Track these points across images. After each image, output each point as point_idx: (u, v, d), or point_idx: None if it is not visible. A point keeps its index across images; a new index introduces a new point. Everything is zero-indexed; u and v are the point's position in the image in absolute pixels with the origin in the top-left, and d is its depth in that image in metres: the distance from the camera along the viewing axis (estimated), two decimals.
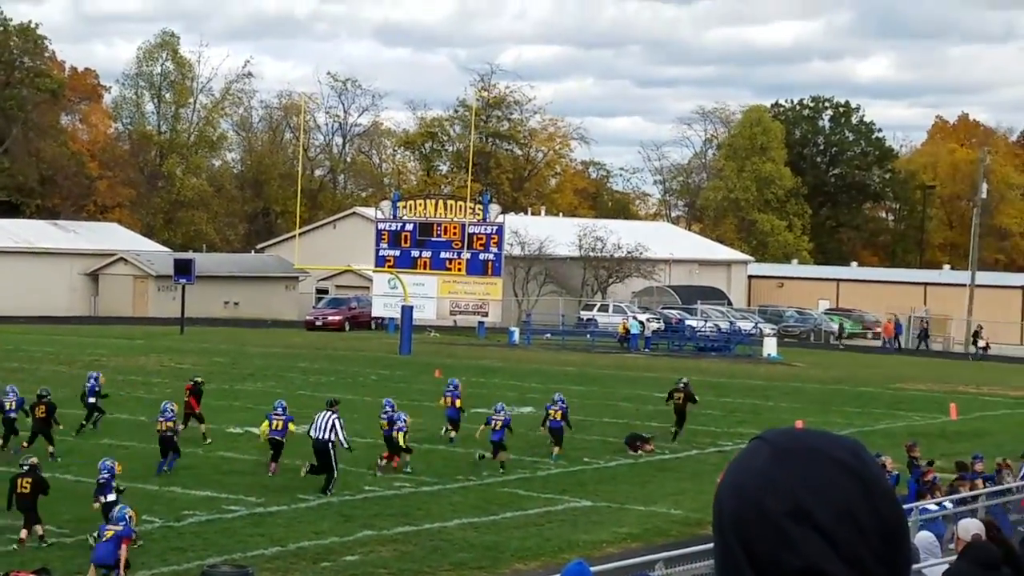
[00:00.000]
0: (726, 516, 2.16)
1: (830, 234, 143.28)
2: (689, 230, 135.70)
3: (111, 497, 26.75)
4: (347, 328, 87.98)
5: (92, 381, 41.42)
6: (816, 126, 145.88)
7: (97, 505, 26.76)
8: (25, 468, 26.89)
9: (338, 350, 70.56)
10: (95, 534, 23.99)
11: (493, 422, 36.76)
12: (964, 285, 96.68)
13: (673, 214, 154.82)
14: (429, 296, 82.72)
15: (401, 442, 35.55)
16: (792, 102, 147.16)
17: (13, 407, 37.11)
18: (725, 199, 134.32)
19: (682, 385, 43.47)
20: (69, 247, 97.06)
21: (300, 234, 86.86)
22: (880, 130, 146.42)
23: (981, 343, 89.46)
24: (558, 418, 38.84)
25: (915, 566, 16.82)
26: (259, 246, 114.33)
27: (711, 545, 2.22)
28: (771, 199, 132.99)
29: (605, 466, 37.96)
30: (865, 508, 2.10)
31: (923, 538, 19.63)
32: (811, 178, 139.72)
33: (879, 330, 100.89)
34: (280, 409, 34.86)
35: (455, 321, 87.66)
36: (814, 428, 2.33)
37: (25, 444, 35.92)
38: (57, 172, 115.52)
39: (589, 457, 38.98)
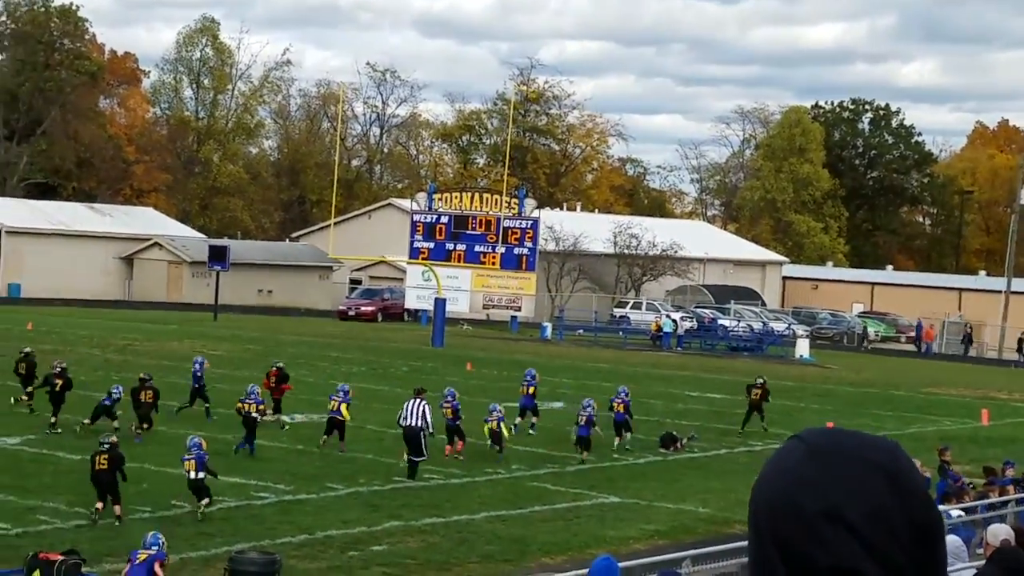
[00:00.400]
0: (761, 513, 2.17)
1: (866, 237, 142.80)
2: (725, 230, 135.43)
3: (201, 474, 27.89)
4: (380, 319, 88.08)
5: (197, 365, 41.53)
6: (855, 128, 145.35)
7: (193, 473, 27.92)
8: (105, 446, 27.52)
9: (370, 340, 70.65)
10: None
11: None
12: (999, 291, 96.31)
13: (709, 213, 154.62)
14: (462, 289, 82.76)
15: (504, 432, 37.16)
16: (832, 104, 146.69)
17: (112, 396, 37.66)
18: (762, 199, 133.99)
19: (760, 382, 45.62)
20: (105, 231, 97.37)
21: (335, 224, 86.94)
22: (920, 134, 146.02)
23: None
24: (621, 411, 39.70)
25: None
26: (294, 235, 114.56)
27: (738, 544, 2.22)
28: (808, 200, 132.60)
29: (634, 463, 37.94)
30: (898, 509, 2.10)
31: (950, 542, 19.55)
32: (849, 180, 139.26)
33: (912, 334, 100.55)
34: (342, 392, 36.53)
35: (488, 315, 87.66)
36: (851, 429, 2.32)
37: (136, 426, 37.14)
38: (94, 155, 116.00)
39: (619, 454, 38.95)
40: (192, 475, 28.01)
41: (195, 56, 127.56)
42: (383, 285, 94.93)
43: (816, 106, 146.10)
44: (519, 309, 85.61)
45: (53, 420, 36.87)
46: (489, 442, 37.33)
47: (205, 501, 27.88)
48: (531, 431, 41.26)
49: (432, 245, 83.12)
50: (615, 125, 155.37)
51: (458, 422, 36.89)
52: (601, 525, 29.48)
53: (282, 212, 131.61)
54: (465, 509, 30.08)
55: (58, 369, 38.59)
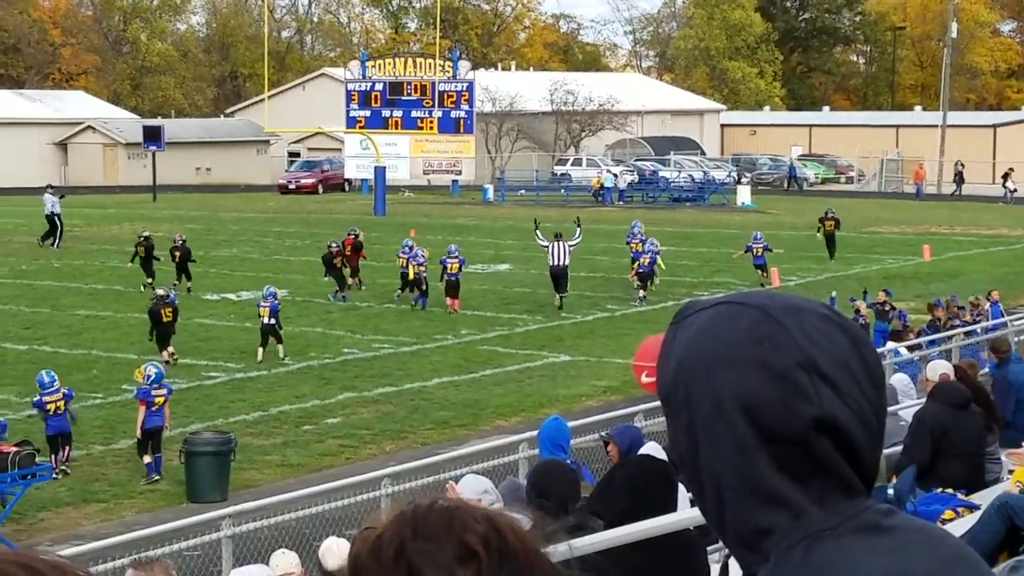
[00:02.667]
0: (720, 388, 2.11)
1: (801, 79, 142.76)
2: (660, 80, 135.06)
3: (272, 320, 31.74)
4: (321, 191, 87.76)
5: (271, 300, 33.09)
6: None
7: (267, 318, 31.53)
8: (168, 298, 32.02)
9: (312, 213, 70.43)
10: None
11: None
12: (936, 126, 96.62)
13: (644, 65, 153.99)
14: (402, 156, 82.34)
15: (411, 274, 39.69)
16: None
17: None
18: (695, 48, 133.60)
19: (831, 213, 51.13)
20: (36, 116, 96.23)
21: (269, 97, 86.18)
22: None
23: (1011, 184, 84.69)
24: (646, 263, 41.86)
25: (891, 408, 16.95)
26: (228, 110, 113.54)
27: None
28: (741, 46, 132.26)
29: (583, 320, 38.13)
30: (855, 356, 2.13)
31: (899, 379, 19.80)
32: (781, 23, 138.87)
33: (852, 174, 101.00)
34: (270, 296, 32.96)
35: (429, 180, 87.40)
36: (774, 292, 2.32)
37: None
38: (19, 40, 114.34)
39: (567, 312, 39.10)
40: (265, 320, 31.63)
41: None
42: (322, 157, 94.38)
43: None
44: (459, 173, 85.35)
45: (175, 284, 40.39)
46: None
47: (280, 347, 31.80)
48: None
49: (368, 113, 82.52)
50: None
51: (459, 276, 39.23)
52: (552, 384, 29.71)
53: (215, 88, 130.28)
54: (417, 377, 30.24)
55: (179, 241, 43.04)
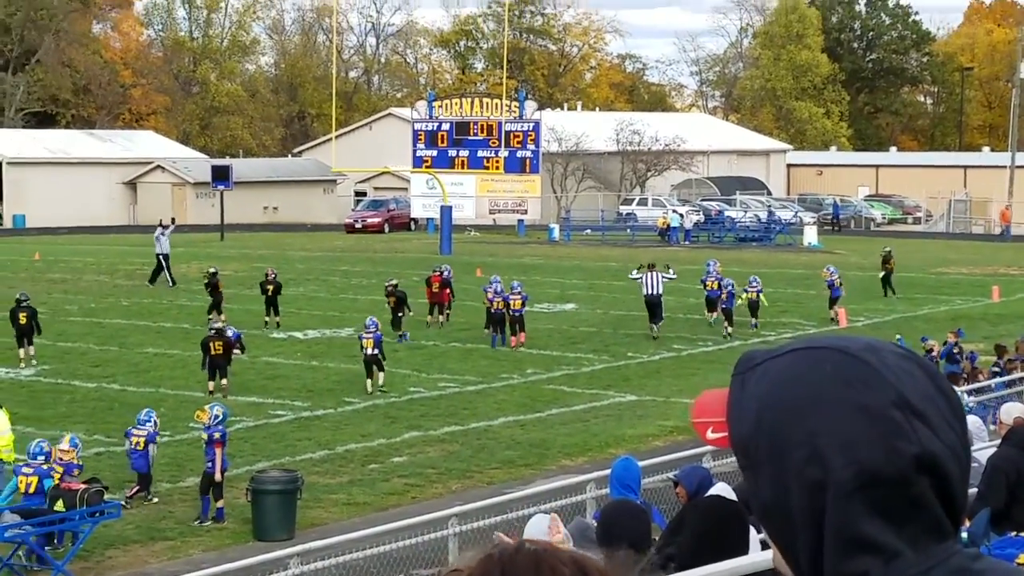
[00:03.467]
0: (817, 433, 2.06)
1: (868, 120, 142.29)
2: (726, 120, 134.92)
3: (376, 351, 32.81)
4: (386, 230, 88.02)
5: (374, 330, 33.82)
6: (852, 11, 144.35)
7: (371, 349, 32.68)
8: (213, 331, 32.97)
9: (379, 252, 70.65)
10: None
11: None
12: (1004, 167, 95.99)
13: (710, 105, 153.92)
14: (468, 195, 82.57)
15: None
16: None
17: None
18: (762, 88, 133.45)
19: (888, 251, 53.39)
20: (106, 156, 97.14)
21: (336, 137, 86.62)
22: (917, 13, 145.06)
23: None
24: (755, 297, 43.40)
25: None
26: (296, 150, 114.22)
27: None
28: (808, 87, 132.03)
29: (649, 360, 38.01)
30: (937, 392, 2.11)
31: (971, 422, 19.58)
32: (848, 64, 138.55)
33: (919, 215, 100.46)
34: (372, 326, 33.56)
35: (494, 220, 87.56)
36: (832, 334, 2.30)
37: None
38: (91, 81, 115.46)
39: (633, 352, 39.01)
40: (369, 351, 32.59)
41: None
42: (388, 196, 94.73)
43: None
44: (525, 212, 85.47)
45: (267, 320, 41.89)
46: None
47: (381, 376, 32.82)
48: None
49: (435, 153, 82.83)
50: (611, 21, 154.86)
51: (523, 312, 40.14)
52: (619, 424, 29.60)
53: (283, 128, 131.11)
54: (483, 415, 30.21)
55: (272, 276, 43.35)
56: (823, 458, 2.07)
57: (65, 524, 20.66)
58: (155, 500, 23.44)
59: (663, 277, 42.09)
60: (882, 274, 52.59)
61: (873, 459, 2.06)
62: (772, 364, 2.18)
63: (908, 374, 2.10)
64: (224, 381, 32.16)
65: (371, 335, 32.89)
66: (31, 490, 21.07)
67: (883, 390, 2.08)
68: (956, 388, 18.28)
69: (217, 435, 22.87)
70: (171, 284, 53.87)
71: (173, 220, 59.69)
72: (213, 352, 32.23)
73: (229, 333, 33.50)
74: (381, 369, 33.07)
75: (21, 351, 36.36)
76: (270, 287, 43.10)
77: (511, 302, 39.76)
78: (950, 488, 2.08)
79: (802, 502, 2.08)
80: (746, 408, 2.16)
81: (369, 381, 32.69)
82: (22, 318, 36.34)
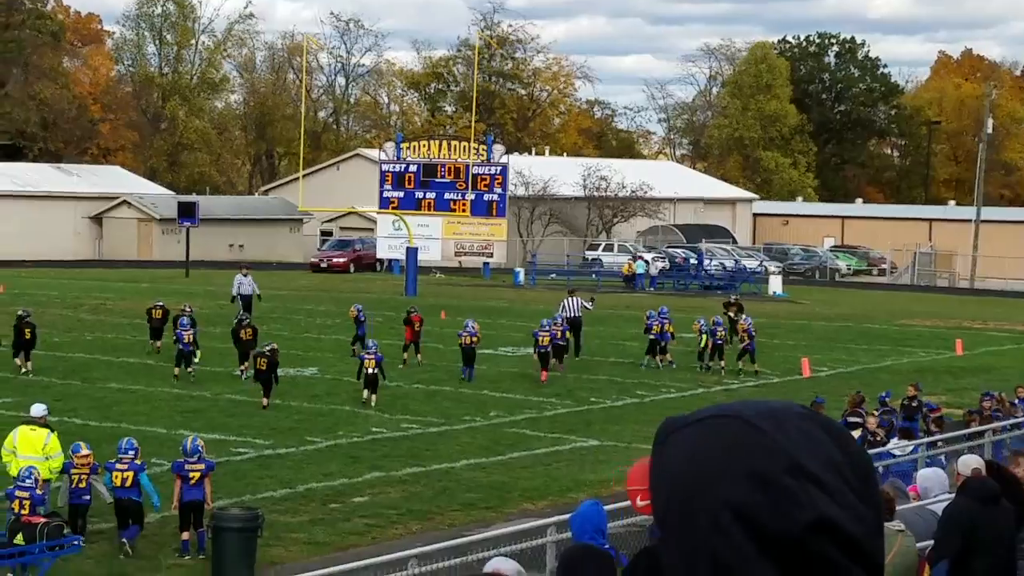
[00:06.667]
0: (712, 503, 2.11)
1: (835, 171, 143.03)
2: (694, 168, 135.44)
3: (377, 371, 35.95)
4: (352, 270, 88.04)
5: (375, 351, 36.81)
6: (822, 63, 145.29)
7: (372, 368, 35.82)
8: (267, 350, 35.53)
9: (344, 292, 70.57)
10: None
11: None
12: (970, 220, 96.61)
13: (678, 153, 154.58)
14: (434, 237, 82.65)
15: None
16: (799, 38, 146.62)
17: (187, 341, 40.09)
18: (730, 137, 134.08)
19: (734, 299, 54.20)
20: (72, 190, 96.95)
21: (304, 176, 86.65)
22: (886, 66, 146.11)
23: None
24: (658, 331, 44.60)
25: (922, 502, 16.86)
26: (263, 188, 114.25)
27: None
28: (776, 137, 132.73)
29: (612, 405, 38.03)
30: (840, 454, 2.14)
31: (936, 474, 19.61)
32: (816, 115, 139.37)
33: (884, 266, 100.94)
34: (373, 347, 36.84)
35: (460, 262, 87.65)
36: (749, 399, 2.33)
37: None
38: (59, 115, 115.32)
39: (596, 397, 39.04)
40: (370, 370, 35.49)
41: (156, 12, 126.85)
42: (354, 236, 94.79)
43: (783, 41, 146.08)
44: (491, 255, 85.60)
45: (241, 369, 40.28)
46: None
47: (374, 397, 35.55)
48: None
49: (402, 194, 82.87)
50: (581, 67, 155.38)
51: (565, 341, 42.99)
52: (581, 469, 29.59)
53: (250, 166, 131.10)
54: (445, 457, 30.15)
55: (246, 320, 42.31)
56: (720, 527, 2.11)
57: (25, 557, 20.54)
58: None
59: (582, 304, 47.03)
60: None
61: (768, 525, 2.09)
62: (679, 435, 2.21)
63: (808, 438, 2.14)
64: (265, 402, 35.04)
65: (372, 355, 35.82)
66: (127, 484, 22.25)
67: (776, 457, 2.11)
68: (912, 442, 18.42)
69: (203, 467, 22.71)
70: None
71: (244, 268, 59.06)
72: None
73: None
74: (374, 391, 35.76)
75: (17, 360, 39.88)
76: (248, 330, 41.09)
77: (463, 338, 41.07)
78: (861, 548, 2.11)
79: (707, 570, 2.12)
80: (660, 480, 2.21)
81: (373, 396, 35.70)
82: (26, 332, 39.83)
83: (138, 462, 22.57)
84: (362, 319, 45.70)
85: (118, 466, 22.76)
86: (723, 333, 44.82)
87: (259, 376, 35.44)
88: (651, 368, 44.26)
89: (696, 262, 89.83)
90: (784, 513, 2.08)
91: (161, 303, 46.70)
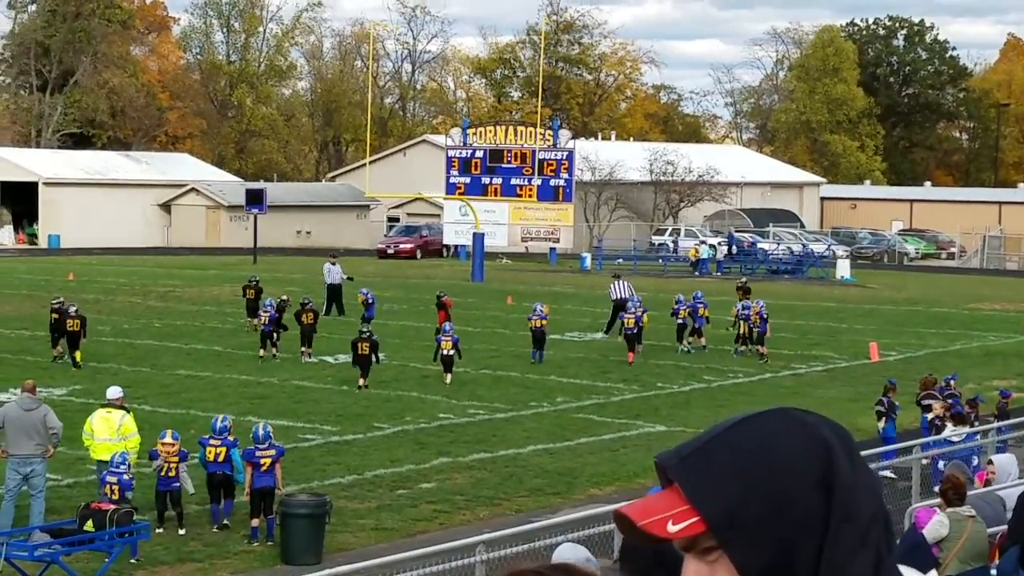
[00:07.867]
0: (809, 474, 2.12)
1: (903, 154, 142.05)
2: (760, 153, 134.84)
3: (452, 351, 37.33)
4: (419, 256, 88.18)
5: (452, 332, 38.35)
6: (890, 46, 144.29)
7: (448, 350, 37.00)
8: (366, 334, 36.66)
9: (410, 278, 70.73)
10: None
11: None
12: None
13: (744, 137, 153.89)
14: (500, 223, 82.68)
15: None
16: (866, 22, 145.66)
17: (267, 322, 41.19)
18: (796, 121, 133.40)
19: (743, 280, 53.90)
20: (141, 178, 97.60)
21: (371, 162, 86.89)
22: (954, 48, 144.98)
23: None
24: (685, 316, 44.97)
25: (992, 488, 16.74)
26: (330, 175, 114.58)
27: None
28: (843, 120, 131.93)
29: (679, 390, 37.95)
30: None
31: (1010, 460, 19.42)
32: (884, 98, 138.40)
33: (953, 250, 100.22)
34: (449, 330, 38.25)
35: (527, 248, 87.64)
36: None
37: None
38: (127, 104, 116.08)
39: (662, 382, 38.96)
40: (446, 352, 36.86)
41: (224, 0, 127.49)
42: (421, 222, 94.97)
43: (851, 24, 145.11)
44: (557, 241, 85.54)
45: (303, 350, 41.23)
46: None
47: (449, 376, 36.93)
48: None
49: (468, 180, 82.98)
50: (647, 52, 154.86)
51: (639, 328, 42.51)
52: (648, 454, 29.50)
53: (317, 152, 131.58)
54: (512, 443, 30.17)
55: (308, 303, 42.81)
56: (846, 505, 2.12)
57: (95, 544, 20.71)
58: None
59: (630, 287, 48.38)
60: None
61: (877, 503, 2.16)
62: (713, 445, 2.16)
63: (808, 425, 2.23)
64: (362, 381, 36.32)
65: (449, 336, 37.26)
66: (220, 459, 22.77)
67: (822, 430, 2.19)
68: (972, 429, 18.22)
69: (273, 453, 22.78)
70: (340, 314, 52.78)
71: (339, 252, 59.84)
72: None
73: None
74: (449, 370, 37.08)
75: (59, 347, 39.42)
76: (309, 314, 41.79)
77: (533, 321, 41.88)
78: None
79: (809, 552, 2.10)
80: (715, 486, 2.12)
81: (449, 375, 36.98)
82: (72, 324, 38.56)
83: (231, 438, 23.06)
84: (371, 301, 47.34)
85: (212, 442, 23.04)
86: (704, 311, 45.05)
87: (359, 359, 36.27)
88: (683, 352, 44.12)
89: (750, 247, 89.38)
90: (878, 490, 2.16)
91: (256, 279, 49.01)
